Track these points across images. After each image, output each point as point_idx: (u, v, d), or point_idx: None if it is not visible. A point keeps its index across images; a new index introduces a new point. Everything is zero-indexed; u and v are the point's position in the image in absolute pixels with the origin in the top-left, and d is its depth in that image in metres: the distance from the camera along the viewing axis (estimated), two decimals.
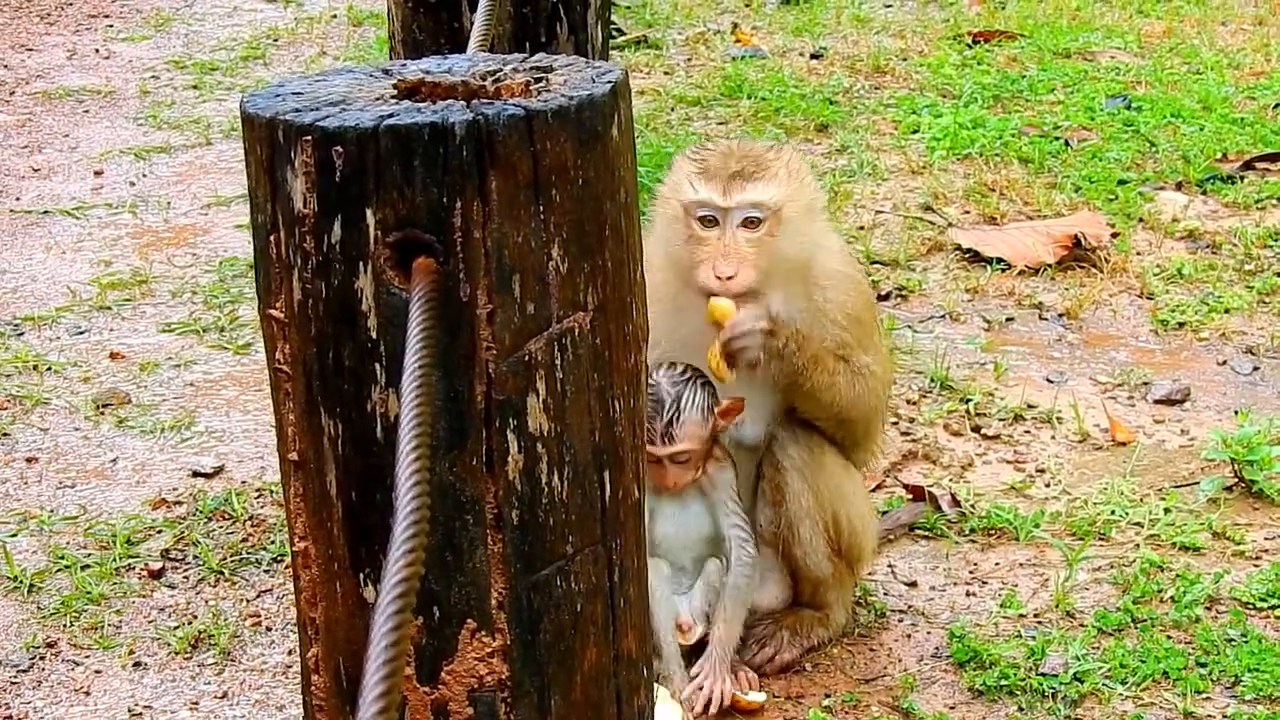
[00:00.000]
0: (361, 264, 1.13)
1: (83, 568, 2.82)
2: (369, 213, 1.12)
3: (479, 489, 1.17)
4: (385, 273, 1.12)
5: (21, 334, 3.50)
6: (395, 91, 1.23)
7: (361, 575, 1.20)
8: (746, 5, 5.32)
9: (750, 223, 2.21)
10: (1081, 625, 2.74)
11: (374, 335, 1.14)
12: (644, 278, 1.34)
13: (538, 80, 1.23)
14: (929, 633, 2.70)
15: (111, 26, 5.08)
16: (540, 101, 1.17)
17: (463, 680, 1.21)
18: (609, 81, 1.23)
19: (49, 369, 3.38)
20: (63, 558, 2.84)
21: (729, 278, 2.19)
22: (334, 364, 1.17)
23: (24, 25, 5.16)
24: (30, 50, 4.94)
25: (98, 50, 4.92)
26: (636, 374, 1.33)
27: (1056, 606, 2.77)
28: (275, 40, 4.88)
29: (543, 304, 1.17)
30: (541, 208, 1.15)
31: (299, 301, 1.18)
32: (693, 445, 2.33)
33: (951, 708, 2.53)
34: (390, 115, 1.13)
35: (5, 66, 5.01)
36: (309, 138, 1.13)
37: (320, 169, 1.13)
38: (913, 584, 2.82)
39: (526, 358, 1.17)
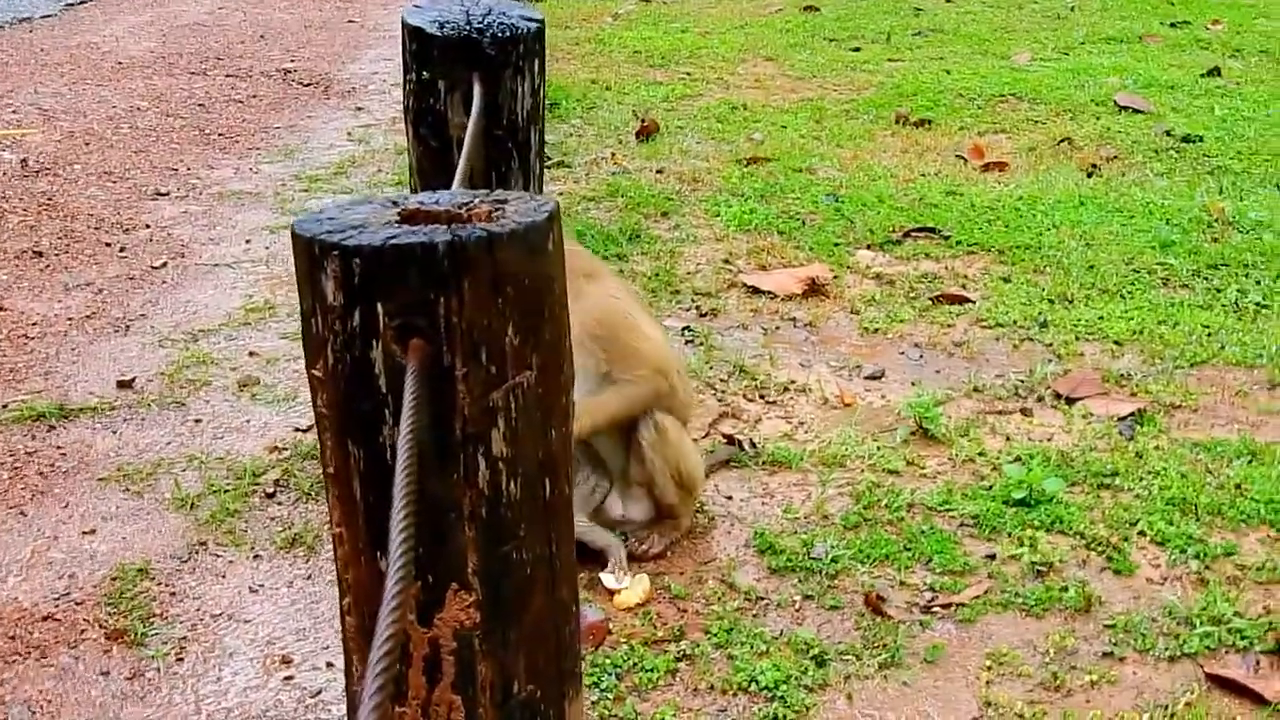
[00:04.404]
0: (374, 341, 1.26)
1: (225, 491, 3.04)
2: (379, 305, 1.24)
3: (458, 495, 1.33)
4: (391, 347, 1.27)
5: (197, 340, 3.89)
6: (399, 217, 1.36)
7: (378, 553, 1.39)
8: (619, 143, 5.94)
9: None
10: (833, 524, 2.82)
11: (384, 390, 1.28)
12: (570, 343, 1.48)
13: (497, 209, 1.38)
14: (741, 531, 2.82)
15: (260, 153, 5.91)
16: (499, 226, 1.31)
17: (449, 624, 1.38)
18: (547, 211, 1.36)
19: (212, 362, 3.74)
20: (213, 485, 3.07)
21: None
22: (356, 409, 1.28)
23: (210, 153, 5.95)
24: (213, 168, 5.68)
25: (251, 168, 5.69)
26: (566, 409, 1.48)
27: (816, 512, 2.87)
28: (354, 163, 5.70)
29: (501, 367, 1.31)
30: (499, 300, 1.29)
31: (331, 365, 1.29)
32: None
33: (758, 580, 2.64)
34: (394, 236, 1.26)
35: (198, 177, 5.60)
36: (336, 252, 1.24)
37: (344, 274, 1.24)
38: (729, 498, 2.95)
39: (490, 404, 1.32)
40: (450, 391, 1.35)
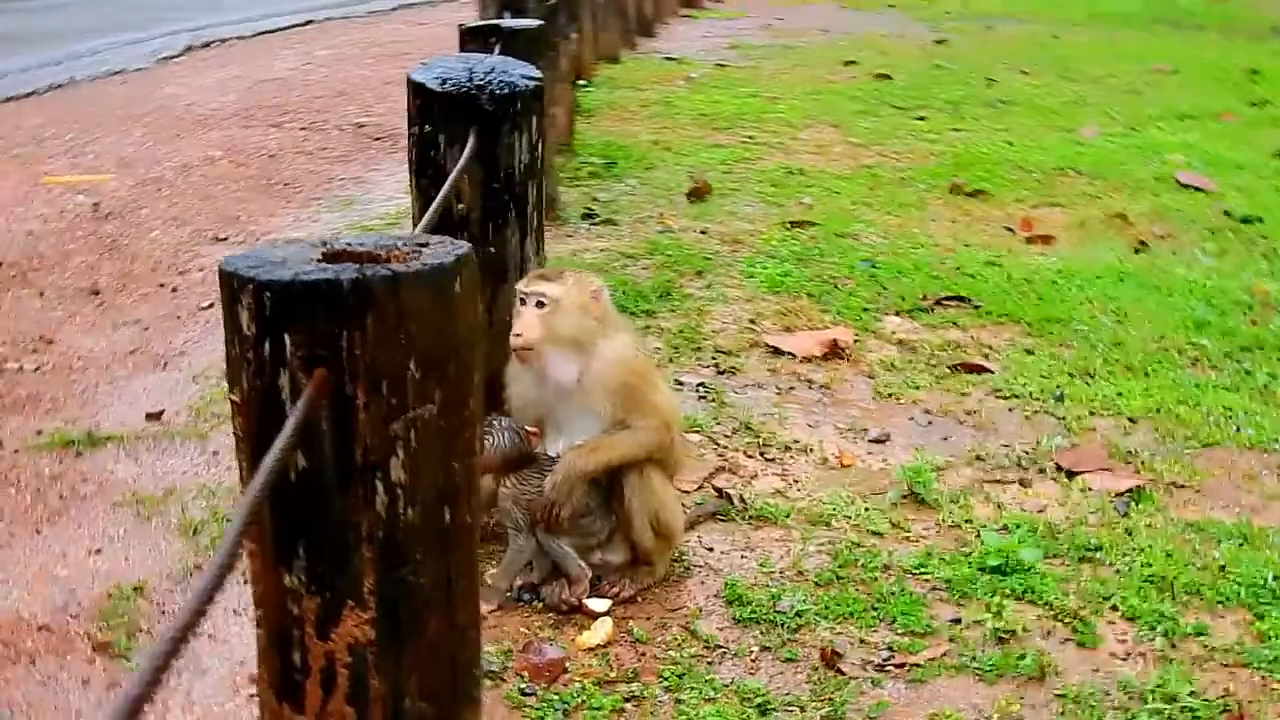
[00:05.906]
0: (282, 369, 1.37)
1: (227, 519, 3.11)
2: (287, 337, 1.35)
3: (358, 517, 1.43)
4: (297, 376, 1.38)
5: None
6: (322, 257, 1.44)
7: (281, 569, 1.49)
8: (670, 203, 6.12)
9: (539, 304, 2.68)
10: (806, 580, 2.90)
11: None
12: (480, 380, 1.57)
13: (415, 253, 1.47)
14: (714, 581, 2.91)
15: (322, 203, 6.34)
16: (404, 266, 1.41)
17: (345, 639, 1.48)
18: (456, 255, 1.46)
19: None
20: (217, 513, 3.23)
21: (519, 335, 2.67)
22: (267, 433, 1.37)
23: (273, 202, 6.33)
24: (273, 216, 6.06)
25: (311, 217, 6.06)
26: (471, 442, 1.54)
27: (792, 567, 2.95)
28: (409, 215, 6.22)
29: (401, 399, 1.40)
30: (402, 336, 1.38)
31: (246, 391, 1.41)
32: None
33: (720, 630, 2.72)
34: (305, 273, 1.36)
35: (257, 224, 5.97)
36: (250, 286, 1.36)
37: (257, 306, 1.36)
38: (710, 550, 3.04)
39: (390, 433, 1.41)
40: (352, 419, 1.45)
